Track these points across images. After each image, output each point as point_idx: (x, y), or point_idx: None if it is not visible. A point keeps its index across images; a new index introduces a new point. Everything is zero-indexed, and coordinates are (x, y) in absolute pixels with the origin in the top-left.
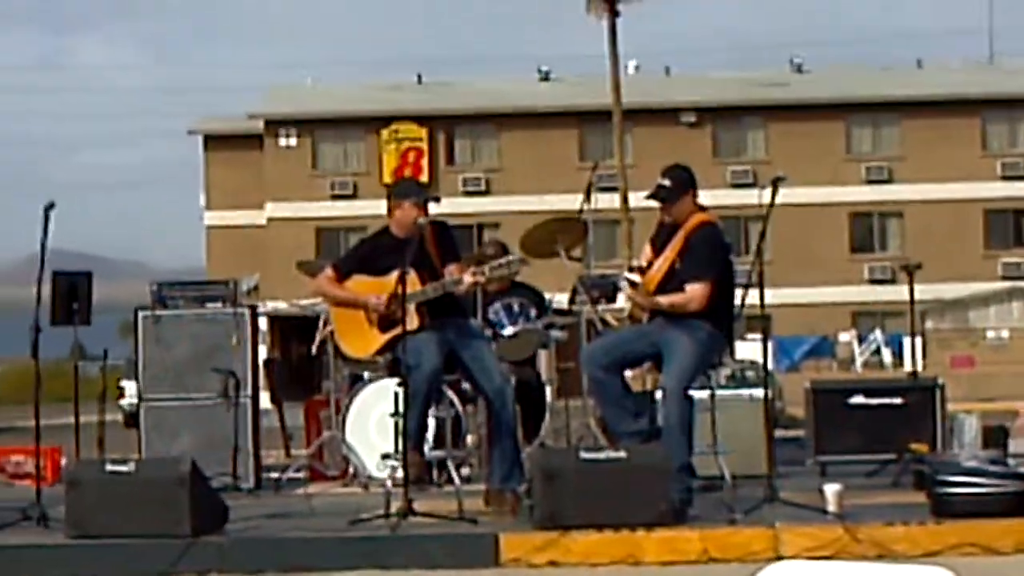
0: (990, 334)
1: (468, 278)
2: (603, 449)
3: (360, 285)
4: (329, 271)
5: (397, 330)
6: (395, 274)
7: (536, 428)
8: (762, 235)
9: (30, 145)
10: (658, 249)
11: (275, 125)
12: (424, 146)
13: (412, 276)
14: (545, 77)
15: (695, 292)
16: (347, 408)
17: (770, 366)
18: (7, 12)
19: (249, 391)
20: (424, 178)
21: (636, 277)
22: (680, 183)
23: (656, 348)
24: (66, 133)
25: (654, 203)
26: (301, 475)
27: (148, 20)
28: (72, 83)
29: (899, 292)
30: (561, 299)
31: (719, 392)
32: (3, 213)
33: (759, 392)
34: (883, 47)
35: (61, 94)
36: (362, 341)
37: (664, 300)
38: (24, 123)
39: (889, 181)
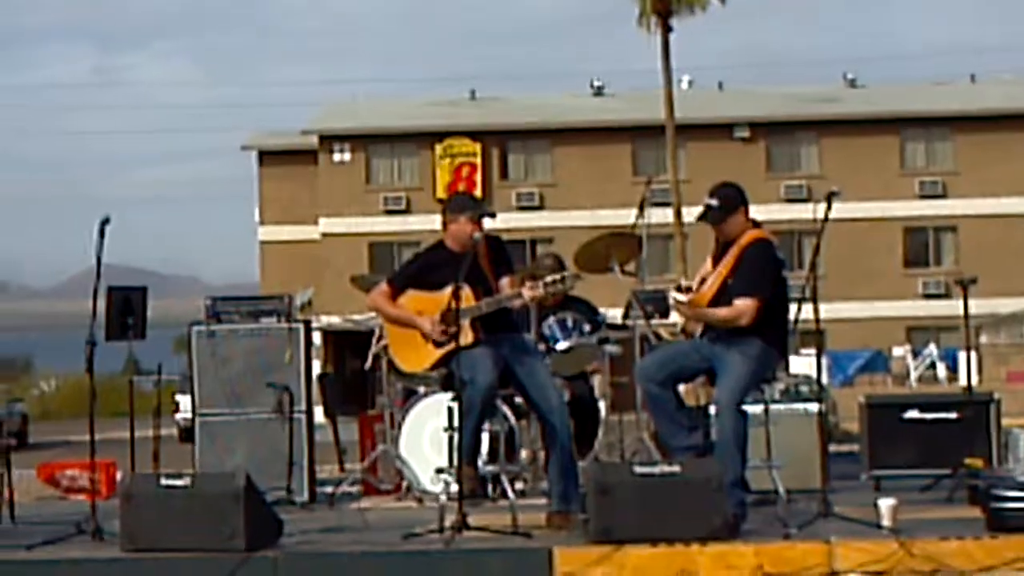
0: None
1: (527, 292)
2: (657, 463)
3: (414, 300)
4: (384, 286)
5: (451, 345)
6: (449, 289)
7: (590, 443)
8: (816, 250)
9: (83, 162)
10: (714, 264)
11: (329, 140)
12: (478, 161)
13: (466, 291)
14: (598, 92)
15: (744, 307)
16: (401, 422)
17: (824, 381)
18: (62, 28)
19: (303, 406)
20: (478, 193)
21: (682, 296)
22: (728, 201)
23: (709, 363)
24: (120, 150)
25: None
26: (355, 489)
27: (201, 36)
28: (125, 100)
29: (954, 307)
30: (615, 314)
31: (773, 406)
32: (57, 230)
33: (813, 406)
34: (937, 62)
35: (115, 111)
36: (416, 356)
37: (710, 311)
38: (78, 140)
39: (943, 196)
